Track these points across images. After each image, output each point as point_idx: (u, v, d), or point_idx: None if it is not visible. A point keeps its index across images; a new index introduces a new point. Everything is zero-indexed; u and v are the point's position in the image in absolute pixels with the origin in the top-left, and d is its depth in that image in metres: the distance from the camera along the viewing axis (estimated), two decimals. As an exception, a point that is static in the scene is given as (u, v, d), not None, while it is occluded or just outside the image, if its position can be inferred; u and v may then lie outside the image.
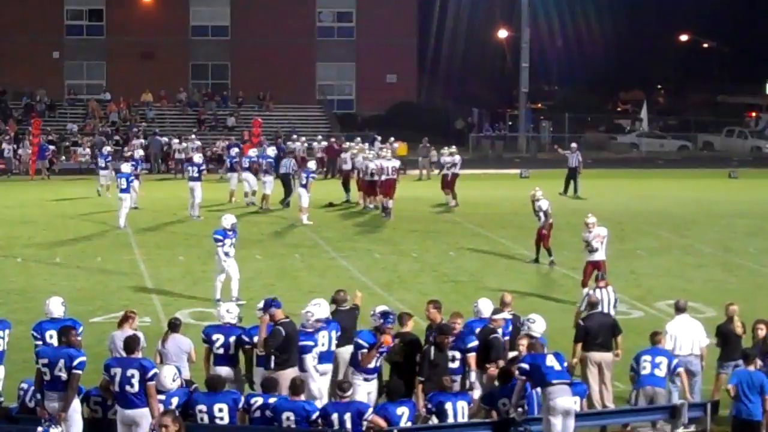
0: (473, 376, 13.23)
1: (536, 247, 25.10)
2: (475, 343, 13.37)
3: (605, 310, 15.35)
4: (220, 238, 20.65)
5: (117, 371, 11.76)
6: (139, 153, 38.03)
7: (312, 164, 33.52)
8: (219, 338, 13.50)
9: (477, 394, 13.10)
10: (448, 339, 13.16)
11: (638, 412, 13.41)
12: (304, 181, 31.15)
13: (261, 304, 13.49)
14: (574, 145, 40.83)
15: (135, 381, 11.66)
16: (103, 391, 12.03)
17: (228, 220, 20.88)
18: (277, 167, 41.96)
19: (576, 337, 14.48)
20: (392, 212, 31.94)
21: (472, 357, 13.31)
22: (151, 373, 11.72)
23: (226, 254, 20.58)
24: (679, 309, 14.59)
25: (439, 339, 13.15)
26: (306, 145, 45.68)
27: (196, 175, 32.06)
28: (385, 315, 13.30)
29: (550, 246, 24.85)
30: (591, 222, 21.05)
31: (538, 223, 24.90)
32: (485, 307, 14.18)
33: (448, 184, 34.93)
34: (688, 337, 14.29)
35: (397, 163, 33.54)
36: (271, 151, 36.03)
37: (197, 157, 34.28)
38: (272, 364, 13.13)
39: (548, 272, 24.45)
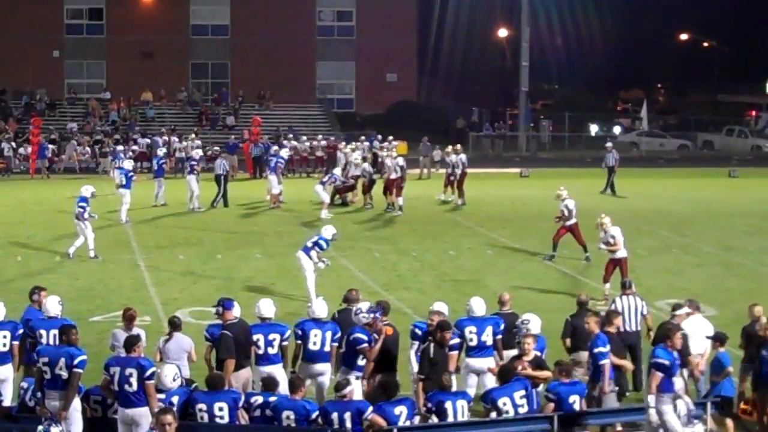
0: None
1: (553, 244, 25.11)
2: (456, 340, 13.41)
3: (629, 320, 15.29)
4: (325, 247, 20.69)
5: (116, 370, 11.77)
6: (163, 151, 38.25)
7: (338, 171, 34.43)
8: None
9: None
10: (448, 336, 13.18)
11: (638, 412, 13.42)
12: (325, 179, 32.79)
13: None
14: (609, 144, 40.83)
15: (133, 380, 11.66)
16: (104, 390, 12.03)
17: (329, 230, 20.92)
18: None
19: (563, 332, 14.60)
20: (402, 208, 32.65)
21: (452, 356, 13.33)
22: (149, 372, 11.72)
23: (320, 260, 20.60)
24: (693, 308, 14.62)
25: (439, 336, 13.16)
26: (307, 144, 45.71)
27: (188, 169, 33.28)
28: (373, 310, 13.44)
29: (584, 242, 24.83)
30: (605, 222, 21.23)
31: (564, 222, 24.87)
32: (478, 306, 14.18)
33: (457, 183, 34.91)
34: (701, 337, 14.31)
35: (401, 161, 33.67)
36: (285, 152, 35.97)
37: (194, 153, 34.74)
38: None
39: (549, 271, 24.43)
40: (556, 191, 25.36)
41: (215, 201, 33.70)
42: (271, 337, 13.56)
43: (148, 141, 46.84)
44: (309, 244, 20.66)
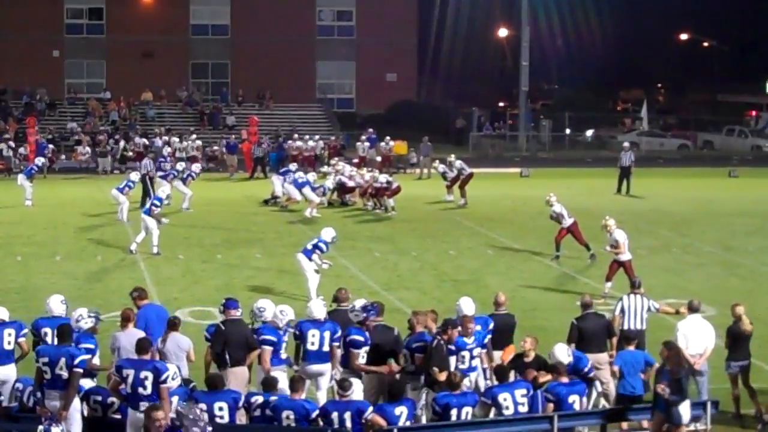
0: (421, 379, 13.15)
1: (556, 244, 25.21)
2: (419, 344, 13.26)
3: (634, 318, 15.31)
4: (325, 249, 20.86)
5: (130, 372, 11.73)
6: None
7: (329, 182, 34.20)
8: None
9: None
10: (455, 334, 13.18)
11: (638, 411, 13.40)
12: (316, 186, 32.66)
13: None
14: (626, 144, 40.90)
15: (148, 383, 11.64)
16: (113, 392, 12.02)
17: (329, 233, 21.03)
18: (276, 167, 42.11)
19: (569, 336, 14.47)
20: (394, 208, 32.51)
21: (418, 358, 13.20)
22: (164, 376, 11.71)
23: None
24: (692, 309, 14.62)
25: (448, 334, 13.13)
26: (313, 143, 45.70)
27: (184, 176, 33.53)
28: (366, 309, 13.44)
29: (586, 241, 25.00)
30: (610, 224, 21.37)
31: (560, 225, 25.06)
32: (467, 305, 14.15)
33: (460, 184, 34.97)
34: (699, 337, 14.31)
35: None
36: (311, 177, 35.28)
37: (195, 167, 35.36)
38: (228, 361, 13.27)
39: (549, 271, 24.43)
40: (546, 197, 25.59)
41: (145, 202, 33.25)
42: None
43: (146, 141, 46.84)
44: (309, 247, 20.78)
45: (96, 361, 13.13)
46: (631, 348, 13.59)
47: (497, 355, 14.17)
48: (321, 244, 20.75)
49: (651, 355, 13.75)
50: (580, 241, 25.06)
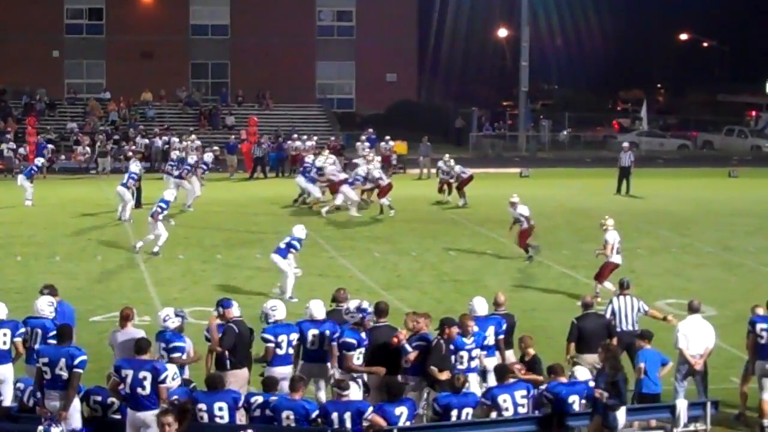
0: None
1: (524, 248, 25.27)
2: (421, 343, 13.22)
3: (625, 320, 15.29)
4: (299, 247, 21.19)
5: (128, 373, 11.74)
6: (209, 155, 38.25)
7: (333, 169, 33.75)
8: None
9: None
10: (455, 332, 13.13)
11: (638, 411, 13.41)
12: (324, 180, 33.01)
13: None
14: (626, 144, 40.91)
15: (147, 383, 11.65)
16: (112, 392, 12.02)
17: (301, 230, 21.33)
18: (276, 167, 42.07)
19: (569, 335, 14.48)
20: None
21: (409, 356, 13.16)
22: (163, 376, 11.72)
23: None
24: (693, 309, 14.60)
25: (447, 333, 13.09)
26: (311, 143, 45.64)
27: (183, 174, 33.52)
28: (362, 309, 13.40)
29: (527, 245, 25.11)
30: (608, 224, 21.36)
31: (520, 227, 25.09)
32: (480, 305, 14.18)
33: (458, 185, 34.89)
34: (700, 337, 14.31)
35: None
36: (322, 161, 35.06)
37: (206, 156, 35.69)
38: (228, 364, 13.21)
39: (548, 271, 24.40)
40: (510, 198, 25.56)
41: (137, 204, 33.07)
42: (292, 336, 13.65)
43: (147, 141, 46.86)
44: (282, 246, 20.87)
45: (184, 356, 13.17)
46: (649, 346, 13.67)
47: (508, 354, 14.18)
48: (294, 242, 20.94)
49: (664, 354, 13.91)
50: (522, 245, 25.04)
